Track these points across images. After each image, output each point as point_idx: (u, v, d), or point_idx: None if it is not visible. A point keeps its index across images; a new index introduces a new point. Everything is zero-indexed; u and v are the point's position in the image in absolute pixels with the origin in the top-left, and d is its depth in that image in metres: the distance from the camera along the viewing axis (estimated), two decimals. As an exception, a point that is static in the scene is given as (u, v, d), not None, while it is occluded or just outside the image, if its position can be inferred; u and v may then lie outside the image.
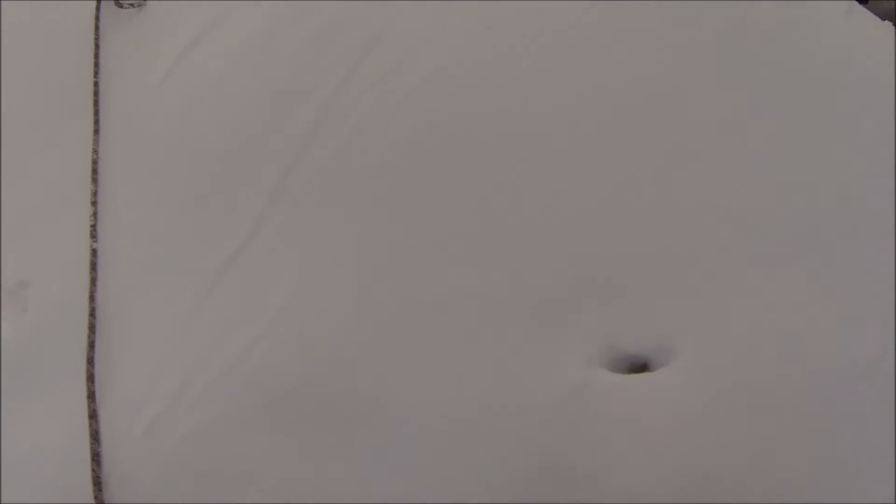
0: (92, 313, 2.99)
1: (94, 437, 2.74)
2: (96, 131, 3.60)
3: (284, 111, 3.32)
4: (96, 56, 3.89)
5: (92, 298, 3.03)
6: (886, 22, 3.30)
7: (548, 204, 2.86)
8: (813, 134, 2.82)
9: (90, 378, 2.83)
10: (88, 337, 2.93)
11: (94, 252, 3.17)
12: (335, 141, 3.17)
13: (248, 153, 3.26)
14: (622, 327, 2.62)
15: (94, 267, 3.12)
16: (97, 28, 4.01)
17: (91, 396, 2.79)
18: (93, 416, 2.78)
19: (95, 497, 2.64)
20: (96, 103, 3.71)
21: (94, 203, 3.33)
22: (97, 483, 2.66)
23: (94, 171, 3.44)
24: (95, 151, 3.51)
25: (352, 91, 3.28)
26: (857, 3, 3.27)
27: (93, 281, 3.08)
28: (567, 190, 2.87)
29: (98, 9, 4.07)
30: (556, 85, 3.09)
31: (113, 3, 4.08)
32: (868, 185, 2.69)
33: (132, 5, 4.05)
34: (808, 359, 2.45)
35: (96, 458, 2.70)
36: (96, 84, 3.78)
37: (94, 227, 3.25)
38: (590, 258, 2.74)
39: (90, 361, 2.87)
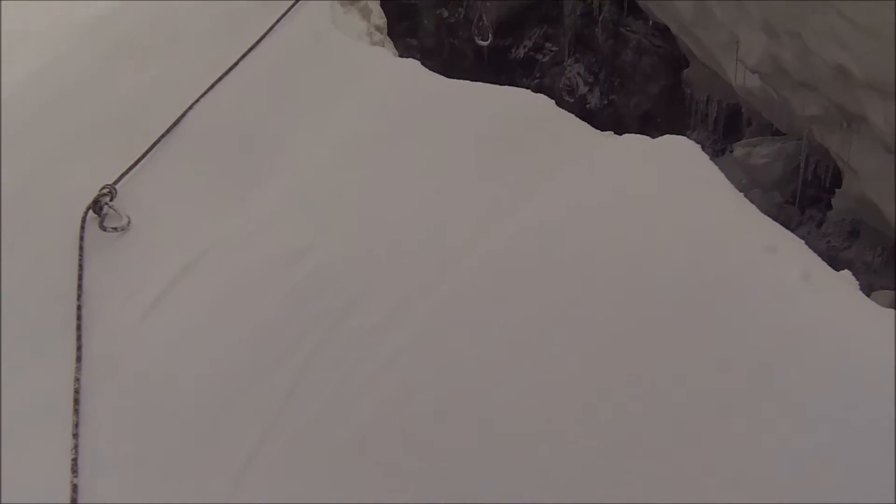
0: (72, 551, 3.01)
1: None
2: (79, 358, 3.64)
3: (262, 370, 3.40)
4: (80, 278, 3.96)
5: (72, 536, 3.05)
6: (846, 271, 3.45)
7: (518, 488, 2.90)
8: (771, 413, 2.86)
9: None
10: (68, 577, 2.93)
11: (74, 488, 3.18)
12: (311, 407, 3.24)
13: (226, 412, 3.33)
14: None
15: (74, 504, 3.15)
16: (81, 248, 4.09)
17: None
18: None
19: None
20: (79, 328, 3.76)
21: (75, 435, 3.35)
22: None
23: (76, 402, 3.48)
24: (77, 380, 3.55)
25: (328, 355, 3.37)
26: (816, 259, 3.39)
27: (73, 518, 3.10)
28: (534, 480, 2.90)
29: (83, 228, 4.18)
30: (530, 368, 3.15)
31: (97, 224, 4.19)
32: (833, 463, 2.73)
33: (115, 229, 4.15)
34: None
35: None
36: (79, 307, 3.85)
37: (75, 460, 3.27)
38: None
39: None
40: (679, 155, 3.75)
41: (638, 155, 3.80)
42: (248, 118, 4.73)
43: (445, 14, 15.35)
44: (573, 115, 4.24)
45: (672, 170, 3.68)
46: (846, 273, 3.38)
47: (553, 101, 4.21)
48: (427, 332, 3.34)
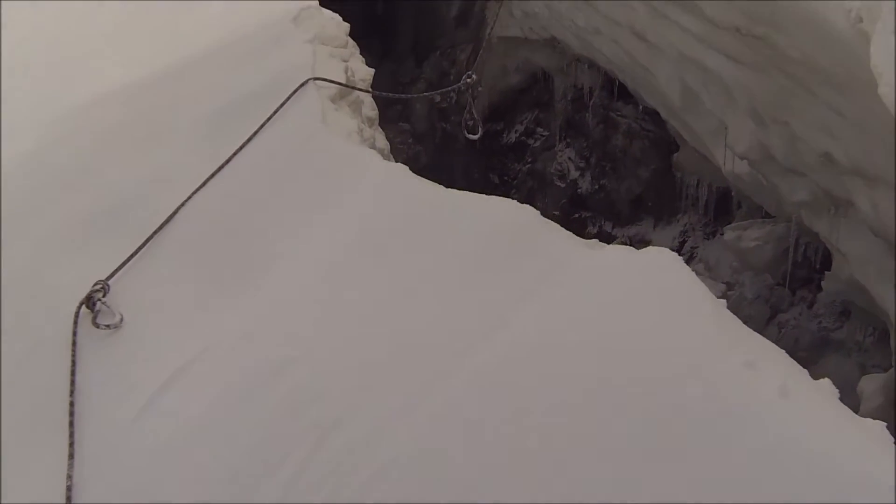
0: None
1: None
2: (71, 455, 3.62)
3: (251, 482, 3.39)
4: (73, 374, 3.96)
5: None
6: (825, 380, 3.48)
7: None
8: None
9: None
10: None
11: (66, 588, 3.18)
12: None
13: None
14: None
15: None
16: (74, 344, 4.10)
17: None
18: None
19: None
20: (72, 424, 3.75)
21: (67, 536, 3.36)
22: None
23: (68, 499, 3.46)
24: (70, 477, 3.53)
25: (315, 471, 3.37)
26: (795, 370, 3.44)
27: None
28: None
29: (76, 324, 4.19)
30: (518, 485, 3.17)
31: (90, 320, 4.20)
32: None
33: (108, 326, 4.16)
34: None
35: None
36: (72, 404, 3.84)
37: (66, 560, 3.27)
38: None
39: None
40: (661, 268, 3.79)
41: (621, 269, 3.84)
42: (237, 218, 4.76)
43: (437, 99, 15.54)
44: (558, 226, 4.27)
45: (654, 284, 3.72)
46: (825, 382, 3.42)
47: (538, 213, 4.26)
48: (414, 449, 3.35)
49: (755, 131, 7.71)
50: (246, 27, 7.27)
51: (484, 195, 4.62)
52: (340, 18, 7.56)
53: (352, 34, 7.48)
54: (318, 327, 3.92)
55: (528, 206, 4.29)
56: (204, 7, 8.56)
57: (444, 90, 8.21)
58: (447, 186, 4.73)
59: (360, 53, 7.47)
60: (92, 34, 8.88)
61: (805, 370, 3.43)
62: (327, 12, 7.56)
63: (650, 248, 3.95)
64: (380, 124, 6.81)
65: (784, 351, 3.49)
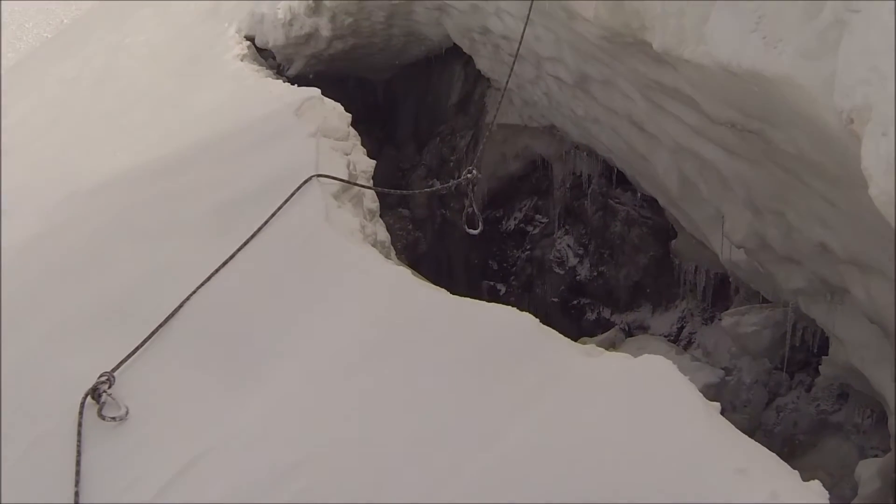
0: None
1: None
2: (77, 546, 3.68)
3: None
4: (77, 464, 4.00)
5: None
6: (815, 482, 3.52)
7: None
8: None
9: None
10: None
11: None
12: None
13: None
14: None
15: None
16: (79, 435, 4.14)
17: None
18: None
19: None
20: (76, 513, 3.82)
21: None
22: None
23: (71, 592, 3.51)
24: (73, 569, 3.59)
25: None
26: (786, 473, 3.47)
27: None
28: None
29: (81, 414, 4.23)
30: None
31: (95, 412, 4.24)
32: None
33: (114, 419, 4.19)
34: None
35: None
36: (77, 494, 3.87)
37: None
38: None
39: None
40: (655, 376, 3.85)
41: (617, 377, 3.88)
42: (242, 316, 4.79)
43: (437, 185, 15.62)
44: (557, 333, 4.35)
45: (649, 392, 3.77)
46: (815, 484, 3.46)
47: (537, 321, 4.32)
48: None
49: (752, 221, 7.78)
50: (251, 117, 7.37)
51: (484, 302, 4.69)
52: (342, 108, 7.63)
53: (353, 120, 7.55)
54: (321, 430, 3.94)
55: (527, 313, 4.35)
56: (209, 94, 8.70)
57: (444, 186, 8.23)
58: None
59: (361, 138, 7.53)
60: (95, 117, 9.01)
61: (796, 472, 3.47)
62: (329, 102, 7.64)
63: (645, 356, 3.99)
64: (380, 211, 6.86)
65: (775, 455, 3.54)
